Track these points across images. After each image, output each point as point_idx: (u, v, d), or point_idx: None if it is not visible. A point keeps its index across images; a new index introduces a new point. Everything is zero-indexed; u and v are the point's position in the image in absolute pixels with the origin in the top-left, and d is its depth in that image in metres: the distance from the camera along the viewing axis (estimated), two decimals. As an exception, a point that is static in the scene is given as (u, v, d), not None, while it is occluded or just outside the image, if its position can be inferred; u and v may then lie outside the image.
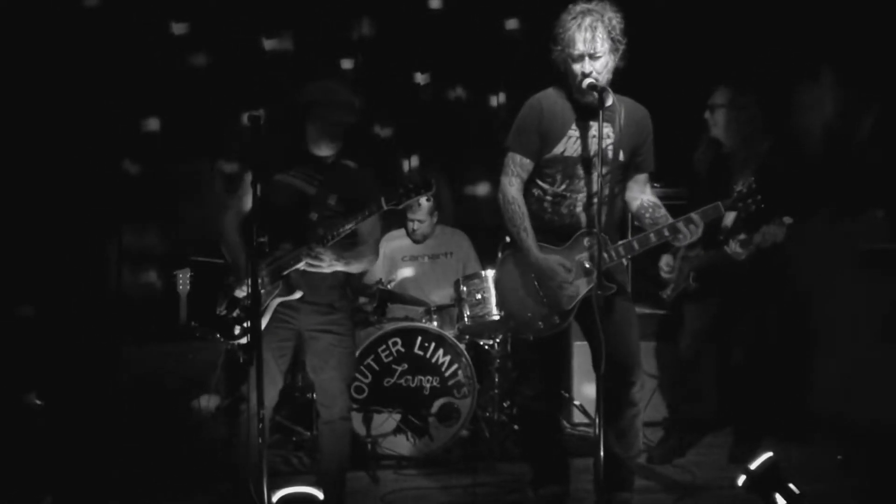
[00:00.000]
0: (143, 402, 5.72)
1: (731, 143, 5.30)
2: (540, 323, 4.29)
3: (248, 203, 4.40)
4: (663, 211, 4.31)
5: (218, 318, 4.48)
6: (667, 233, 4.16)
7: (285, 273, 4.39)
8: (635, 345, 4.38)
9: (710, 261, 5.31)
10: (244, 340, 4.42)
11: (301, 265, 4.36)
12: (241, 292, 4.43)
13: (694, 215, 4.12)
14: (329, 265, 4.37)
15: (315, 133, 4.43)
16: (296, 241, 4.38)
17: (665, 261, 5.56)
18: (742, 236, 5.06)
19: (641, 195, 4.39)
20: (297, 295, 4.42)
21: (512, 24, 7.15)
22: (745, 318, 5.37)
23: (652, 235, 4.19)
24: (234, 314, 4.47)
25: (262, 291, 4.26)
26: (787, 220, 4.99)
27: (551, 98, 4.29)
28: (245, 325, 4.40)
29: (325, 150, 4.47)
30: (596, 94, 4.02)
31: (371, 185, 4.56)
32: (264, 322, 4.31)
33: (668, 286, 5.55)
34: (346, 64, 7.01)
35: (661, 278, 5.59)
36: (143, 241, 6.67)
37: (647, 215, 4.30)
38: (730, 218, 5.24)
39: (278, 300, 4.41)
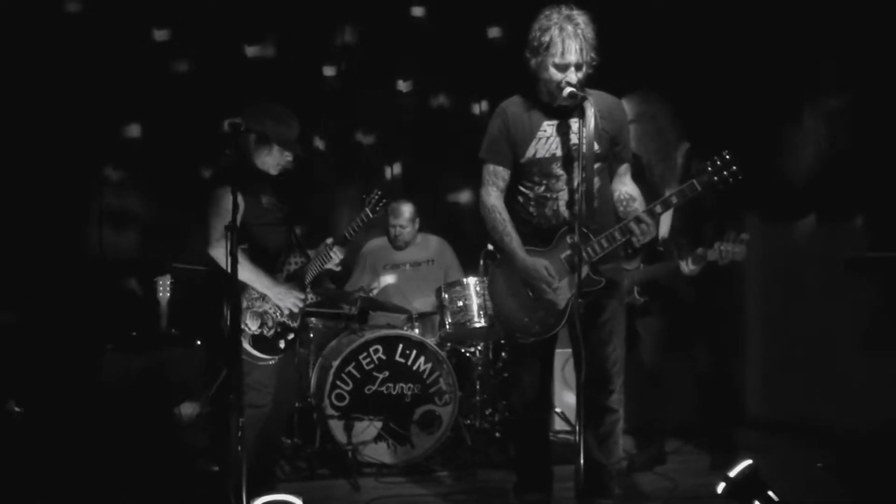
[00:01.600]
0: (124, 409, 5.68)
1: (647, 155, 5.26)
2: (537, 326, 4.29)
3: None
4: (636, 204, 4.30)
5: (257, 338, 4.56)
6: (618, 235, 4.17)
7: (308, 283, 4.75)
8: (619, 352, 4.38)
9: (651, 275, 5.32)
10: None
11: (315, 269, 4.77)
12: (266, 307, 4.63)
13: (672, 197, 4.15)
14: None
15: (269, 159, 4.69)
16: (300, 255, 4.79)
17: None
18: (699, 250, 5.05)
19: (621, 186, 4.38)
20: (318, 300, 4.92)
21: (494, 32, 7.17)
22: (701, 326, 5.39)
23: (616, 233, 4.18)
24: (271, 332, 4.60)
25: (303, 305, 4.69)
26: (745, 236, 4.98)
27: (517, 104, 4.32)
28: (289, 338, 4.66)
29: (275, 171, 4.75)
30: (577, 101, 4.03)
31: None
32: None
33: None
34: (329, 71, 7.01)
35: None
36: (123, 249, 6.64)
37: (622, 208, 4.31)
38: (664, 226, 5.26)
39: (307, 308, 4.82)
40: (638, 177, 5.20)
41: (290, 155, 4.74)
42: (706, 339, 5.40)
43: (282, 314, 4.64)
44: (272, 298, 4.59)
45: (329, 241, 4.76)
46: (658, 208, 4.17)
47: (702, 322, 5.39)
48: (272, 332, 4.60)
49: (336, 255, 4.76)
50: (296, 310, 4.66)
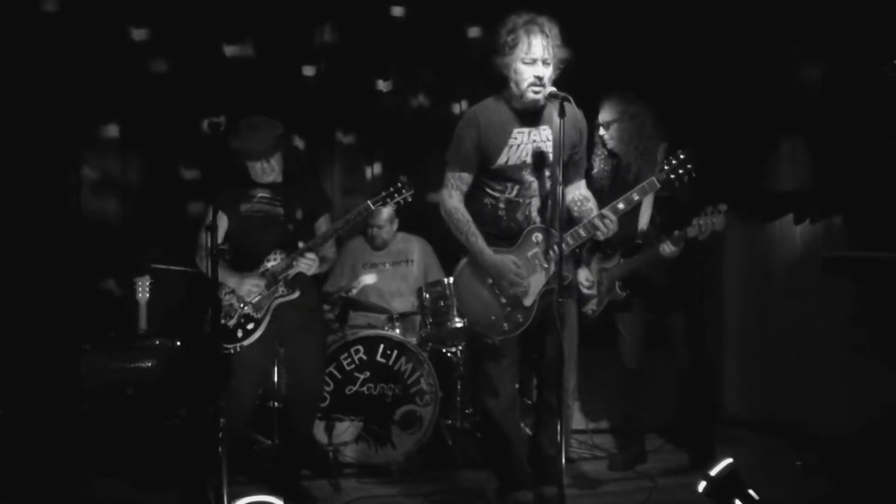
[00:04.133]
0: (103, 409, 5.65)
1: (626, 155, 5.31)
2: (504, 324, 4.38)
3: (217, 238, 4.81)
4: (591, 204, 4.51)
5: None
6: (583, 232, 4.36)
7: (282, 277, 4.86)
8: (573, 347, 4.63)
9: (632, 266, 5.33)
10: (248, 342, 4.88)
11: (295, 270, 4.85)
12: (233, 300, 4.90)
13: (632, 194, 4.38)
14: (318, 267, 4.90)
15: (251, 170, 4.95)
16: (282, 251, 4.92)
17: (583, 275, 5.52)
18: (676, 233, 5.09)
19: (575, 190, 4.58)
20: (296, 294, 4.90)
21: (474, 32, 7.17)
22: (679, 323, 5.40)
23: (581, 230, 4.38)
24: (232, 322, 4.88)
25: (261, 297, 4.88)
26: (723, 206, 5.02)
27: (490, 109, 4.45)
28: (248, 327, 4.88)
29: (268, 178, 4.97)
30: (557, 101, 4.17)
31: (320, 192, 5.28)
32: (265, 323, 4.88)
33: (590, 301, 5.52)
34: (309, 71, 6.99)
35: (582, 294, 5.53)
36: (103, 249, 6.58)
37: (576, 209, 4.48)
38: (644, 220, 5.29)
39: (279, 301, 4.89)
40: (615, 175, 5.28)
41: (266, 163, 4.90)
42: (687, 335, 5.41)
43: (245, 306, 4.88)
44: (233, 287, 4.87)
45: (302, 245, 4.88)
46: (621, 205, 4.37)
47: (683, 318, 5.41)
48: (234, 322, 4.87)
49: (307, 262, 4.82)
50: (250, 297, 4.86)
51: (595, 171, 5.42)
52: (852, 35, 5.73)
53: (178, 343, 5.85)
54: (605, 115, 5.33)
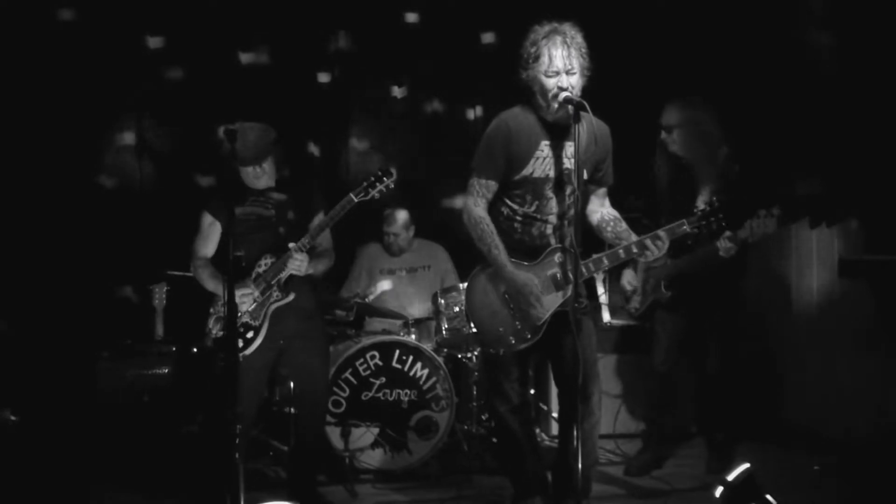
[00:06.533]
0: (119, 416, 5.67)
1: (690, 157, 5.28)
2: (512, 338, 4.33)
3: (210, 246, 4.97)
4: (624, 225, 4.41)
5: (217, 339, 4.89)
6: (635, 249, 4.27)
7: (274, 281, 4.80)
8: (594, 357, 4.48)
9: (679, 268, 5.31)
10: (249, 351, 4.80)
11: (286, 272, 4.78)
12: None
13: (661, 232, 4.24)
14: (308, 268, 4.80)
15: (244, 174, 4.90)
16: (273, 255, 4.84)
17: (627, 278, 5.57)
18: (728, 233, 5.03)
19: (601, 209, 4.48)
20: (292, 296, 4.83)
21: (488, 37, 7.18)
22: (716, 327, 5.37)
23: (621, 252, 4.29)
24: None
25: (256, 304, 4.82)
26: (776, 210, 4.99)
27: (518, 118, 4.34)
28: (248, 336, 4.81)
29: (261, 183, 4.93)
30: (572, 107, 4.07)
31: (315, 193, 5.11)
32: (264, 329, 4.81)
33: (632, 301, 5.56)
34: (323, 77, 7.01)
35: (625, 294, 5.63)
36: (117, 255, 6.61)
37: (609, 229, 4.40)
38: None
39: (275, 306, 4.83)
40: (676, 176, 5.26)
41: (258, 169, 4.86)
42: (722, 340, 5.38)
43: (241, 315, 4.82)
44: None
45: (291, 245, 4.80)
46: (662, 233, 4.26)
47: (722, 323, 5.38)
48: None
49: (296, 262, 4.75)
50: (242, 307, 4.79)
51: (655, 170, 5.41)
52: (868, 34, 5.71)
53: (195, 350, 5.87)
54: (669, 119, 5.28)
